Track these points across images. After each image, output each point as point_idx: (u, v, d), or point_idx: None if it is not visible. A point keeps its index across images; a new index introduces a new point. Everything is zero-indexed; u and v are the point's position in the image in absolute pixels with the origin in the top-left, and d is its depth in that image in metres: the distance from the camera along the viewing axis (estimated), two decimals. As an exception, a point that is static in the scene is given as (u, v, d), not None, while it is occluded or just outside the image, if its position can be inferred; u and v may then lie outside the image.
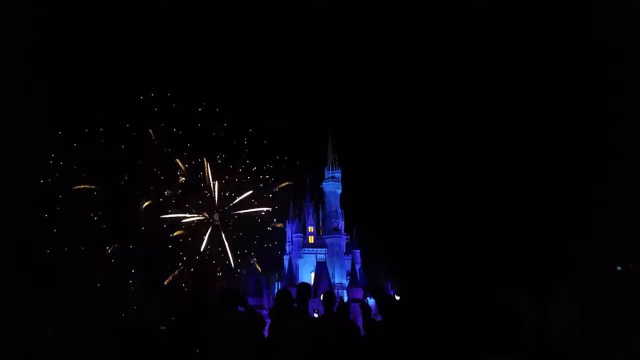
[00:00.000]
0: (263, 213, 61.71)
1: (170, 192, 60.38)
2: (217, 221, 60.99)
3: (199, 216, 61.37)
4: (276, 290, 52.94)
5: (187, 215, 61.00)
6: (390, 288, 54.48)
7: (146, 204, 59.25)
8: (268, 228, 62.13)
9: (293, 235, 59.31)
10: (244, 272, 59.10)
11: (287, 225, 61.14)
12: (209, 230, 60.76)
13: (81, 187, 57.60)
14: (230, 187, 63.35)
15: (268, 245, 61.55)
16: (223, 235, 60.85)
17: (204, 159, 63.32)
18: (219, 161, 63.93)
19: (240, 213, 62.50)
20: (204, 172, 62.91)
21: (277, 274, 58.81)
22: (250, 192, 62.59)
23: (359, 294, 53.07)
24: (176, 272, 57.79)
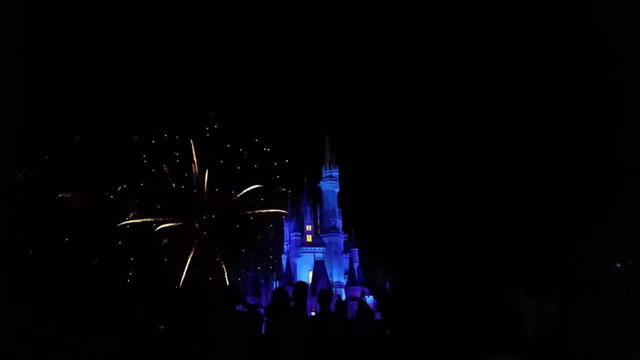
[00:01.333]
0: (284, 218, 60.33)
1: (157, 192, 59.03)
2: (205, 225, 59.13)
3: (178, 221, 59.38)
4: (274, 289, 52.50)
5: (166, 219, 59.15)
6: (388, 287, 54.40)
7: (131, 215, 58.27)
8: (270, 233, 61.15)
9: (291, 234, 59.30)
10: (242, 272, 58.88)
11: (285, 224, 61.19)
12: (194, 246, 59.01)
13: (67, 194, 56.41)
14: (221, 183, 61.93)
15: (269, 255, 60.80)
16: (217, 251, 59.37)
17: (190, 141, 61.39)
18: (208, 145, 62.09)
19: (248, 214, 60.98)
20: (190, 158, 60.76)
21: (275, 273, 58.88)
22: (248, 189, 61.77)
23: (357, 292, 53.10)
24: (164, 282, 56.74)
